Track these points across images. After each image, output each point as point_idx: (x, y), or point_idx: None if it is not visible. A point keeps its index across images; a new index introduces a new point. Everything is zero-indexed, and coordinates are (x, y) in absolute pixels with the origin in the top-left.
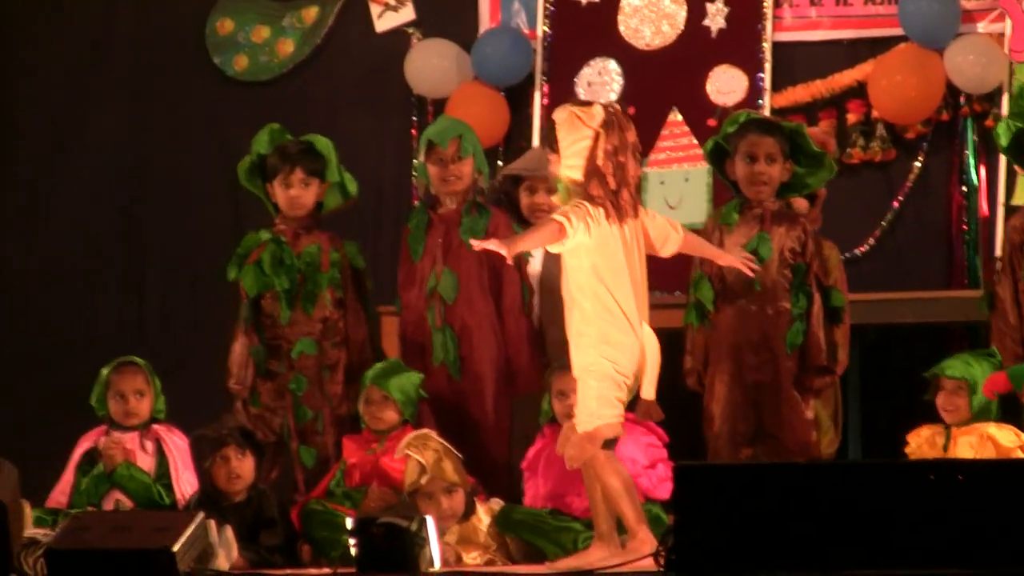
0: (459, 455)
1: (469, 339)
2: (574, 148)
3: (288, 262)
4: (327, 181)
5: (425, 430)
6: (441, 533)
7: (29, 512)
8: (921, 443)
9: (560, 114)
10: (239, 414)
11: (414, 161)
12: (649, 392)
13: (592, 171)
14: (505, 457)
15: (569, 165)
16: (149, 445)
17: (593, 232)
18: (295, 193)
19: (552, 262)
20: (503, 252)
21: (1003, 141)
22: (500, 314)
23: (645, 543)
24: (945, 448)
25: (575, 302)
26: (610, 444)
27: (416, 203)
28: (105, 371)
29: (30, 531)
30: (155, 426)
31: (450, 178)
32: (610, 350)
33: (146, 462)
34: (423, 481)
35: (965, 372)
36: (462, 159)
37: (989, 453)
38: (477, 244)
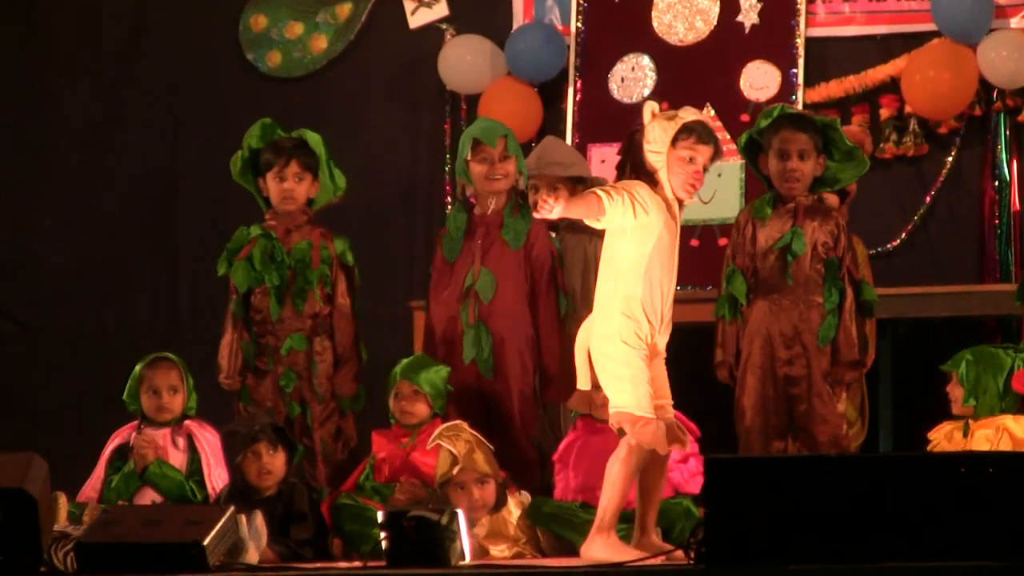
0: (491, 447)
1: (502, 340)
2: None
3: (279, 258)
4: (318, 178)
5: (457, 421)
6: (472, 524)
7: (64, 504)
8: (940, 439)
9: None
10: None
11: (447, 157)
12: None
13: None
14: (534, 456)
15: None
16: (181, 441)
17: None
18: (289, 187)
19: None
20: (551, 214)
21: None
22: (536, 323)
23: (604, 546)
24: (964, 441)
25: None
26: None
27: (451, 203)
28: (139, 367)
29: (62, 524)
30: (187, 422)
31: (496, 176)
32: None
33: (178, 458)
34: (455, 471)
35: (953, 364)
36: (508, 158)
37: (1006, 445)
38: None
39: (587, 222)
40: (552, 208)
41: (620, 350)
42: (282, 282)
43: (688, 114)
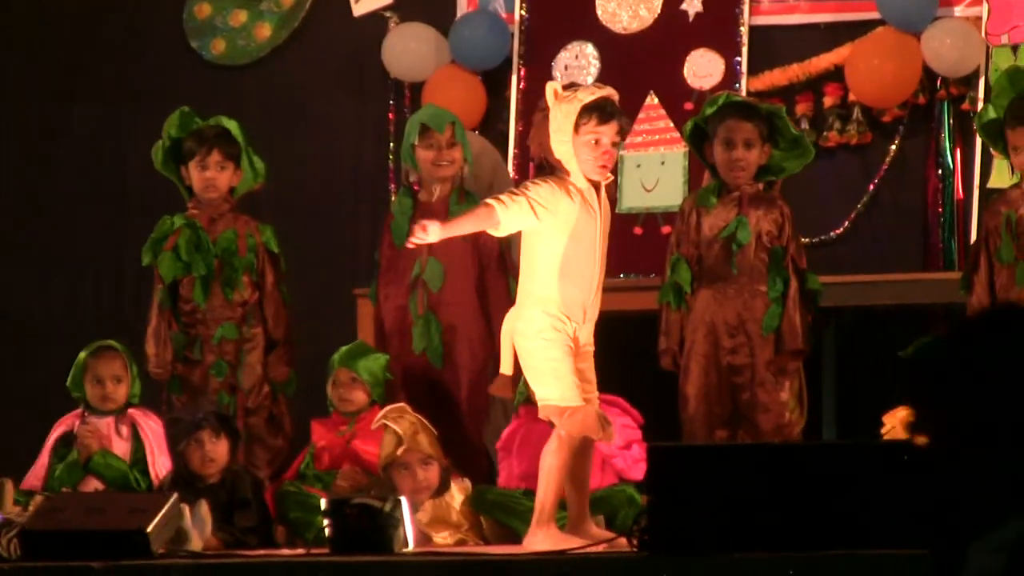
0: (434, 431)
1: (453, 329)
2: None
3: (205, 247)
4: (240, 166)
5: (401, 404)
6: (415, 507)
7: (11, 490)
8: (896, 424)
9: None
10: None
11: (391, 145)
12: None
13: None
14: (481, 446)
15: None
16: (124, 430)
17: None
18: (211, 175)
19: None
20: (429, 239)
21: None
22: (487, 310)
23: (546, 538)
24: None
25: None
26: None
27: (396, 188)
28: (83, 355)
29: (6, 511)
30: (130, 410)
31: (443, 163)
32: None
33: (121, 447)
34: (399, 452)
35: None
36: (455, 145)
37: None
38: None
39: (489, 231)
40: (427, 234)
41: (539, 345)
42: (209, 271)
43: (587, 93)
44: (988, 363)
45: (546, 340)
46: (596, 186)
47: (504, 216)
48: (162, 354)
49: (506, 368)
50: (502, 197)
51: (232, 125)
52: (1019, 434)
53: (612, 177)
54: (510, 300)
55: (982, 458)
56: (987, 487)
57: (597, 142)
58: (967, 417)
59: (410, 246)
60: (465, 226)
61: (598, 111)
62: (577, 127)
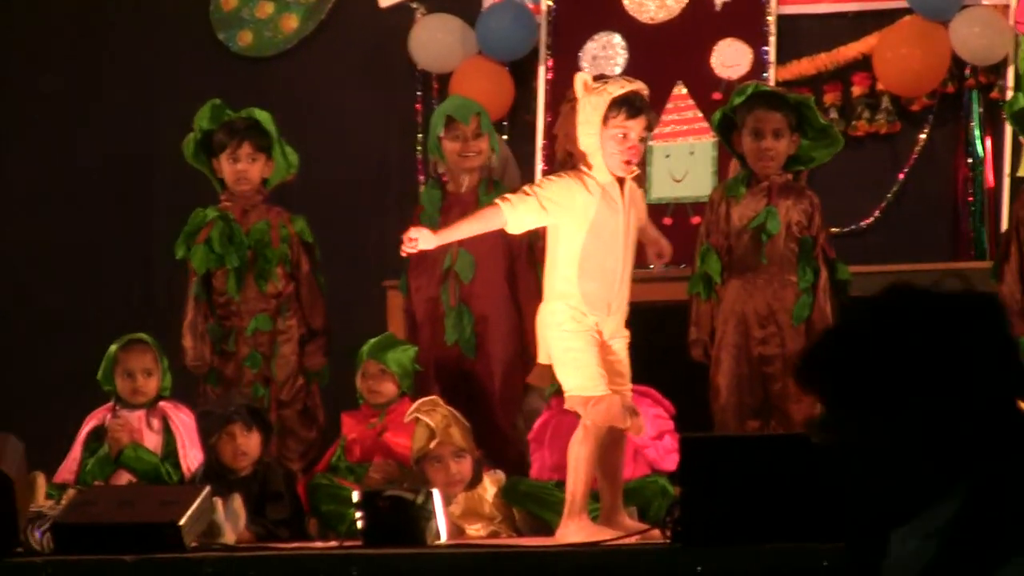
0: (467, 423)
1: (484, 320)
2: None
3: (238, 239)
4: (272, 157)
5: (433, 397)
6: (448, 500)
7: (43, 484)
8: None
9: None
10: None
11: (418, 136)
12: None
13: None
14: (513, 437)
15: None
16: (155, 423)
17: None
18: (242, 167)
19: None
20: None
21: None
22: (517, 300)
23: (579, 530)
24: None
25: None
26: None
27: (425, 179)
28: (114, 348)
29: (39, 504)
30: (161, 403)
31: (470, 154)
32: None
33: (152, 440)
34: (432, 445)
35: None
36: (481, 136)
37: None
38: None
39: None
40: (417, 240)
41: (560, 336)
42: (242, 263)
43: (617, 86)
44: (884, 351)
45: (567, 331)
46: (620, 181)
47: (511, 215)
48: (199, 347)
49: (544, 357)
50: (509, 196)
51: (264, 116)
52: (926, 422)
53: (637, 171)
54: (540, 290)
55: (894, 452)
56: (904, 477)
57: (625, 136)
58: (867, 411)
59: (403, 255)
60: (471, 228)
61: (627, 105)
62: (605, 120)
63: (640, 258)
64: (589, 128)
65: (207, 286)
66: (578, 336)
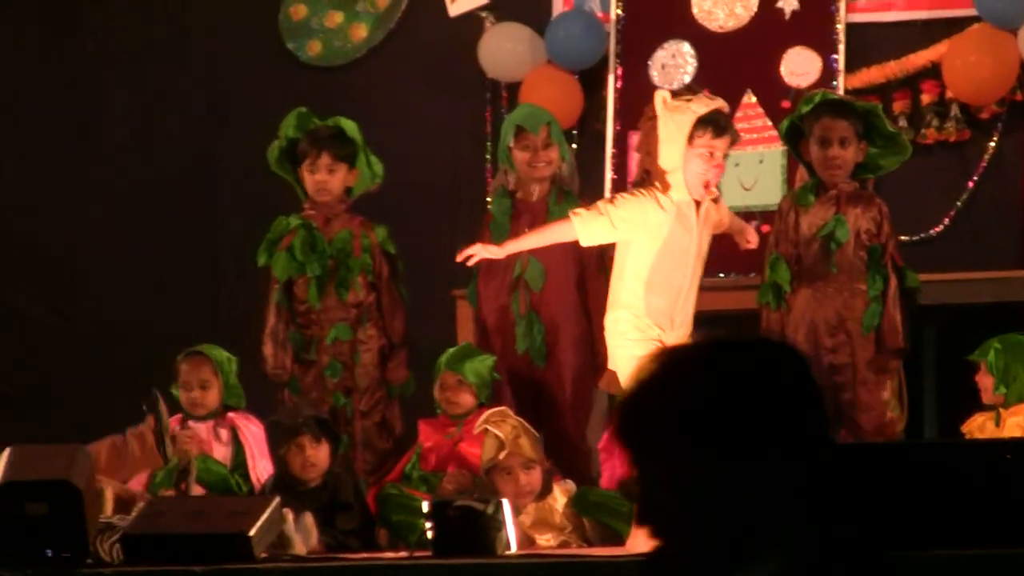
0: (536, 434)
1: (555, 328)
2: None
3: (320, 247)
4: (355, 166)
5: (503, 407)
6: (518, 511)
7: (111, 495)
8: (973, 430)
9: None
10: (300, 400)
11: (487, 145)
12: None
13: None
14: (584, 447)
15: None
16: (224, 434)
17: None
18: (321, 178)
19: None
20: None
21: None
22: (586, 308)
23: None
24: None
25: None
26: None
27: (494, 189)
28: (178, 359)
29: (108, 516)
30: (230, 414)
31: (539, 164)
32: None
33: (221, 451)
34: (501, 456)
35: (981, 353)
36: (551, 145)
37: None
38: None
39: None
40: (478, 253)
41: (623, 344)
42: (324, 271)
43: (701, 104)
44: (676, 408)
45: (631, 340)
46: (697, 202)
47: (582, 230)
48: (279, 355)
49: (613, 364)
50: (581, 211)
51: (349, 125)
52: (725, 482)
53: (716, 193)
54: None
55: (695, 511)
56: (708, 536)
57: (711, 154)
58: (665, 468)
59: (470, 264)
60: (541, 239)
61: (713, 124)
62: (691, 139)
63: (710, 268)
64: (672, 147)
65: (288, 294)
66: (641, 345)
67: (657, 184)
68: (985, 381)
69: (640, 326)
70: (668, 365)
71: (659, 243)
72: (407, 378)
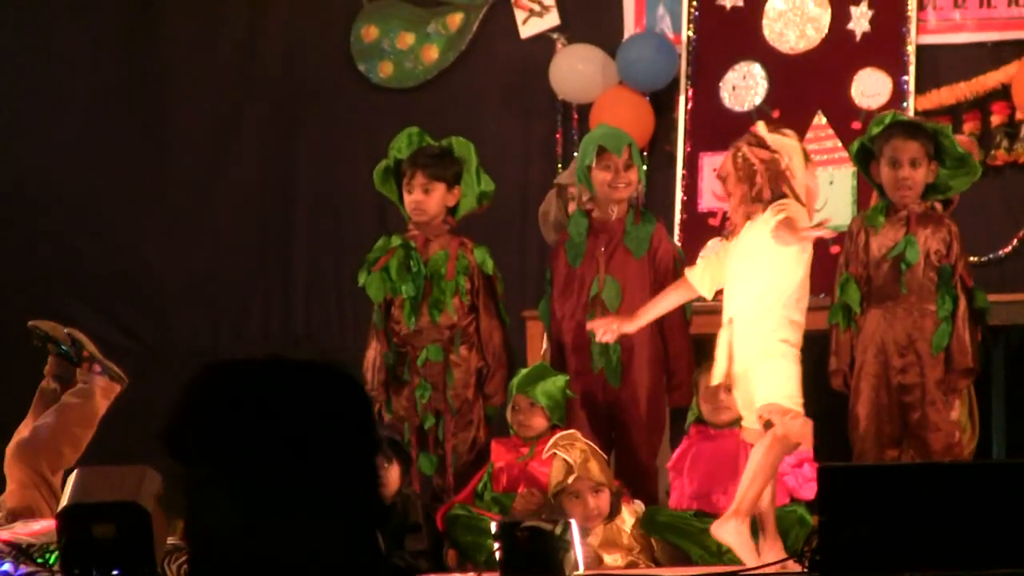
0: (604, 455)
1: (630, 348)
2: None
3: (415, 268)
4: (457, 185)
5: (572, 431)
6: (586, 533)
7: None
8: None
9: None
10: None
11: (559, 167)
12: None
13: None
14: (653, 468)
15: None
16: None
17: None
18: (416, 198)
19: None
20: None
21: None
22: (661, 327)
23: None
24: None
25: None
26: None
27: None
28: None
29: (176, 538)
30: None
31: (620, 184)
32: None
33: None
34: (570, 480)
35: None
36: (631, 167)
37: None
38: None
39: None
40: (616, 332)
41: (779, 348)
42: (418, 292)
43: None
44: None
45: (786, 344)
46: None
47: (699, 282)
48: (376, 377)
49: (718, 376)
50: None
51: (460, 144)
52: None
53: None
54: (684, 319)
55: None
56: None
57: None
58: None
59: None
60: (667, 304)
61: None
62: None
63: None
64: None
65: (387, 314)
66: (795, 353)
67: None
68: None
69: (794, 339)
70: (217, 379)
71: (805, 262)
72: (504, 401)
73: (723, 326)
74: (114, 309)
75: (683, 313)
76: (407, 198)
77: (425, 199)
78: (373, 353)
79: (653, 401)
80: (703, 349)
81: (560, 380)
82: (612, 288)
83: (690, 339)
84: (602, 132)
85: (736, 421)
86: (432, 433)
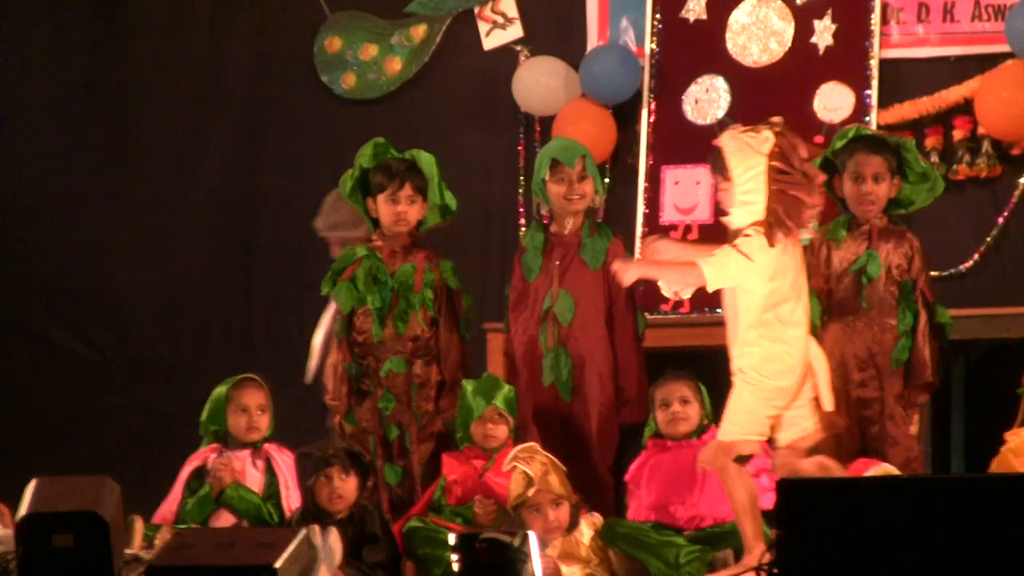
0: (564, 468)
1: (581, 362)
2: (748, 175)
3: (382, 279)
4: (427, 199)
5: (531, 443)
6: (545, 545)
7: (140, 527)
8: (1020, 442)
9: (728, 140)
10: (336, 432)
11: (520, 179)
12: (828, 404)
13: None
14: (610, 479)
15: (745, 191)
16: (260, 464)
17: (762, 258)
18: (402, 209)
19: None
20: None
21: None
22: (613, 343)
23: (758, 560)
24: None
25: (748, 321)
26: (743, 459)
27: (527, 222)
28: (224, 388)
29: (135, 548)
30: (265, 445)
31: (574, 197)
32: (774, 370)
33: (255, 480)
34: (530, 493)
35: None
36: (586, 178)
37: None
38: (619, 268)
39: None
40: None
41: (738, 377)
42: (384, 304)
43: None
44: None
45: (741, 373)
46: None
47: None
48: (338, 386)
49: (827, 404)
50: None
51: (425, 158)
52: None
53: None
54: (636, 335)
55: None
56: None
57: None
58: None
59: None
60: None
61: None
62: None
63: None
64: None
65: (348, 324)
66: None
67: None
68: None
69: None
70: None
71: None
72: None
73: None
74: (75, 319)
75: (635, 328)
76: (389, 208)
77: (410, 210)
78: (334, 360)
79: (605, 416)
80: (658, 363)
81: (512, 390)
82: (565, 301)
83: (641, 355)
84: (556, 145)
85: (692, 433)
86: (397, 444)
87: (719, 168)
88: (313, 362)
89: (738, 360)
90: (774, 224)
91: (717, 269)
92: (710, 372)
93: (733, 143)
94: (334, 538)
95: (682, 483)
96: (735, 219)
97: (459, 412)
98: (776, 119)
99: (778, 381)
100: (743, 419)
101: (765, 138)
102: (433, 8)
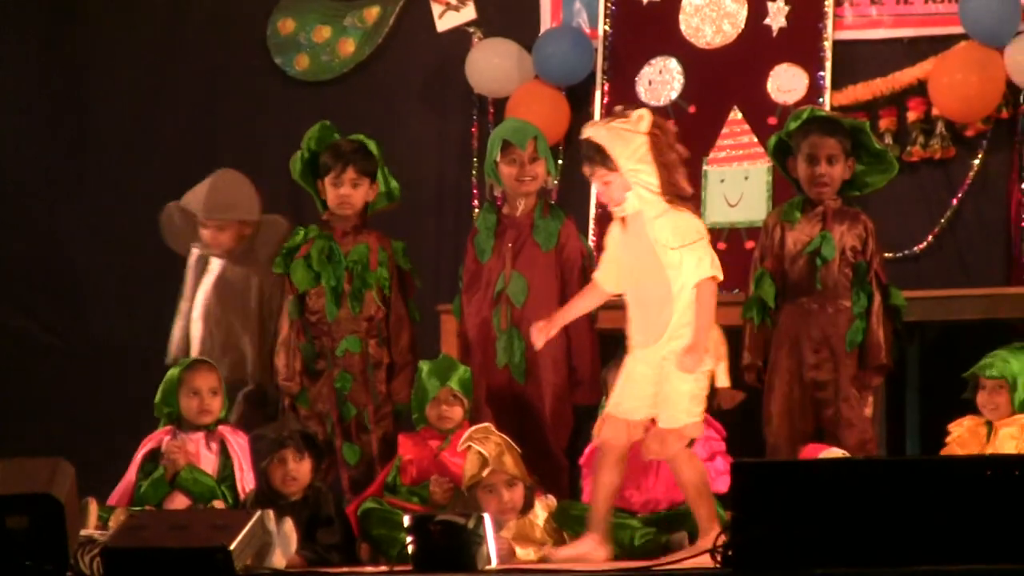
0: (519, 450)
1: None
2: (635, 157)
3: (336, 259)
4: (375, 182)
5: (487, 424)
6: (500, 527)
7: (95, 509)
8: (963, 433)
9: (600, 132)
10: (289, 414)
11: (474, 160)
12: (724, 380)
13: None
14: (564, 461)
15: (634, 172)
16: (214, 446)
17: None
18: (345, 192)
19: None
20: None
21: None
22: (567, 324)
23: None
24: (987, 439)
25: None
26: (690, 443)
27: (480, 203)
28: (176, 371)
29: (89, 530)
30: (220, 427)
31: (526, 178)
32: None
33: (210, 463)
34: (484, 474)
35: (1004, 370)
36: (537, 160)
37: None
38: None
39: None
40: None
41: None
42: (339, 283)
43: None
44: None
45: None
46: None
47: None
48: (292, 365)
49: (723, 381)
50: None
51: (371, 143)
52: None
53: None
54: (590, 316)
55: None
56: None
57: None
58: None
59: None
60: (577, 310)
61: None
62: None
63: None
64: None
65: (300, 304)
66: None
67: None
68: (996, 399)
69: None
70: None
71: None
72: (409, 399)
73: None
74: (32, 304)
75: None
76: (333, 191)
77: (353, 193)
78: (285, 340)
79: (558, 397)
80: (611, 345)
81: (467, 371)
82: (518, 283)
83: (595, 336)
84: (507, 126)
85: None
86: (355, 423)
87: (599, 162)
88: (173, 348)
89: (669, 344)
90: (674, 197)
91: (603, 271)
92: None
93: (607, 133)
94: (289, 527)
95: (636, 467)
96: (630, 204)
97: (415, 393)
98: (618, 108)
99: (706, 364)
100: (688, 404)
101: (640, 116)
102: None
